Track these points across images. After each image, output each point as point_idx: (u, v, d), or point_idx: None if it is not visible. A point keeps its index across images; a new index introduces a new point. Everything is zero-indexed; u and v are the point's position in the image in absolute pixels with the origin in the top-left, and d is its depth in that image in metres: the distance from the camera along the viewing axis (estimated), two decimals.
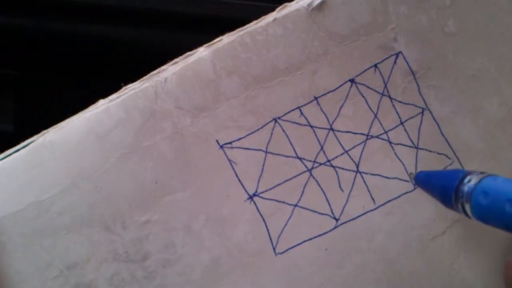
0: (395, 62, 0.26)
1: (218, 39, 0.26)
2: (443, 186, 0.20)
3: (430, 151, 0.26)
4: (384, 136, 0.26)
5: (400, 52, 0.26)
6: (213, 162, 0.26)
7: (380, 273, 0.26)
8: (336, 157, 0.26)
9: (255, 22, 0.26)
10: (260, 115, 0.26)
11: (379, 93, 0.26)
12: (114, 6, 0.38)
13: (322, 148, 0.26)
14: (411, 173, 0.26)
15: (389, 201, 0.26)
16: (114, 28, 0.39)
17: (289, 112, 0.26)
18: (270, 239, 0.26)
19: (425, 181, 0.24)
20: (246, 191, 0.26)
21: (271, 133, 0.26)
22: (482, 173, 0.19)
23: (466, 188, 0.19)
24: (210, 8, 0.38)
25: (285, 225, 0.26)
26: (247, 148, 0.26)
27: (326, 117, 0.26)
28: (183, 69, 0.25)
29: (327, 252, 0.26)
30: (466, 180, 0.19)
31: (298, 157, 0.26)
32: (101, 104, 0.26)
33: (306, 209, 0.26)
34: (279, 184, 0.26)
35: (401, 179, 0.26)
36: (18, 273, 0.25)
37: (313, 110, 0.26)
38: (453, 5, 0.26)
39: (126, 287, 0.25)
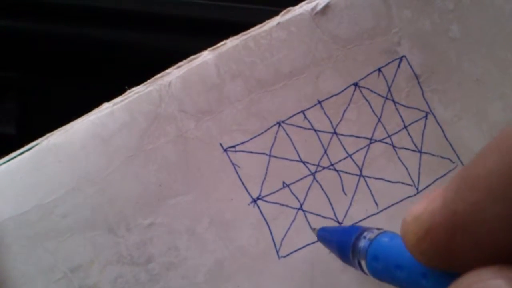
0: (398, 66, 0.26)
1: (222, 43, 0.26)
2: (341, 241, 0.20)
3: (433, 155, 0.26)
4: (388, 140, 0.26)
5: (404, 56, 0.26)
6: (217, 166, 0.26)
7: None
8: (340, 161, 0.26)
9: (259, 26, 0.26)
10: (264, 119, 0.26)
11: (382, 97, 0.26)
12: (117, 9, 0.39)
13: (325, 152, 0.26)
14: (314, 229, 0.25)
15: (392, 205, 0.26)
16: (118, 31, 0.39)
17: (293, 116, 0.26)
18: (274, 243, 0.26)
19: (326, 236, 0.23)
20: (249, 194, 0.26)
21: (275, 137, 0.26)
22: (378, 229, 0.18)
23: (362, 244, 0.18)
24: (214, 12, 0.39)
25: (289, 228, 0.26)
26: (251, 152, 0.26)
27: (330, 121, 0.26)
28: (187, 73, 0.25)
29: (331, 255, 0.26)
30: (362, 236, 0.18)
31: (301, 161, 0.26)
32: (106, 107, 0.26)
33: (310, 212, 0.26)
34: (283, 188, 0.26)
35: (404, 183, 0.26)
36: (22, 276, 0.25)
37: (316, 114, 0.26)
38: (457, 10, 0.26)
39: None
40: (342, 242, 0.20)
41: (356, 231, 0.19)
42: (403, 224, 0.14)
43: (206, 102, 0.26)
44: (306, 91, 0.26)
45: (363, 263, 0.18)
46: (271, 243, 0.26)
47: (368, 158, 0.26)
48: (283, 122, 0.26)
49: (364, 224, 0.26)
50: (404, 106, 0.26)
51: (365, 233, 0.18)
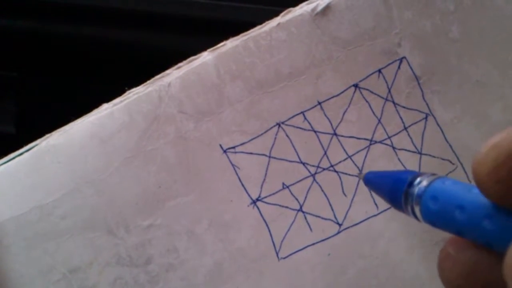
0: (399, 67, 0.26)
1: (222, 43, 0.26)
2: (392, 188, 0.19)
3: (433, 156, 0.26)
4: (388, 141, 0.26)
5: (404, 57, 0.26)
6: (217, 167, 0.26)
7: (382, 279, 0.26)
8: (340, 162, 0.26)
9: (259, 26, 0.26)
10: (264, 120, 0.26)
11: (383, 98, 0.26)
12: (117, 9, 0.39)
13: (325, 153, 0.26)
14: (359, 173, 0.25)
15: None
16: (118, 31, 0.39)
17: (292, 117, 0.26)
18: (273, 244, 0.26)
19: (374, 181, 0.22)
20: (249, 196, 0.26)
21: (275, 138, 0.26)
22: (433, 174, 0.18)
23: (416, 190, 0.18)
24: (214, 12, 0.39)
25: (288, 230, 0.26)
26: (251, 153, 0.26)
27: (330, 122, 0.26)
28: (187, 74, 0.25)
29: (330, 257, 0.26)
30: (416, 182, 0.18)
31: (301, 162, 0.26)
32: (105, 108, 0.26)
33: (309, 214, 0.26)
34: (282, 189, 0.26)
35: None
36: (21, 277, 0.25)
37: (316, 115, 0.26)
38: (457, 11, 0.26)
39: None
40: (394, 188, 0.19)
41: (407, 176, 0.18)
42: (476, 156, 0.13)
43: (205, 103, 0.25)
44: (306, 92, 0.26)
45: (416, 209, 0.17)
46: (271, 245, 0.26)
47: (368, 159, 0.26)
48: (283, 123, 0.26)
49: (365, 226, 0.26)
50: (404, 107, 0.26)
51: (418, 178, 0.18)
